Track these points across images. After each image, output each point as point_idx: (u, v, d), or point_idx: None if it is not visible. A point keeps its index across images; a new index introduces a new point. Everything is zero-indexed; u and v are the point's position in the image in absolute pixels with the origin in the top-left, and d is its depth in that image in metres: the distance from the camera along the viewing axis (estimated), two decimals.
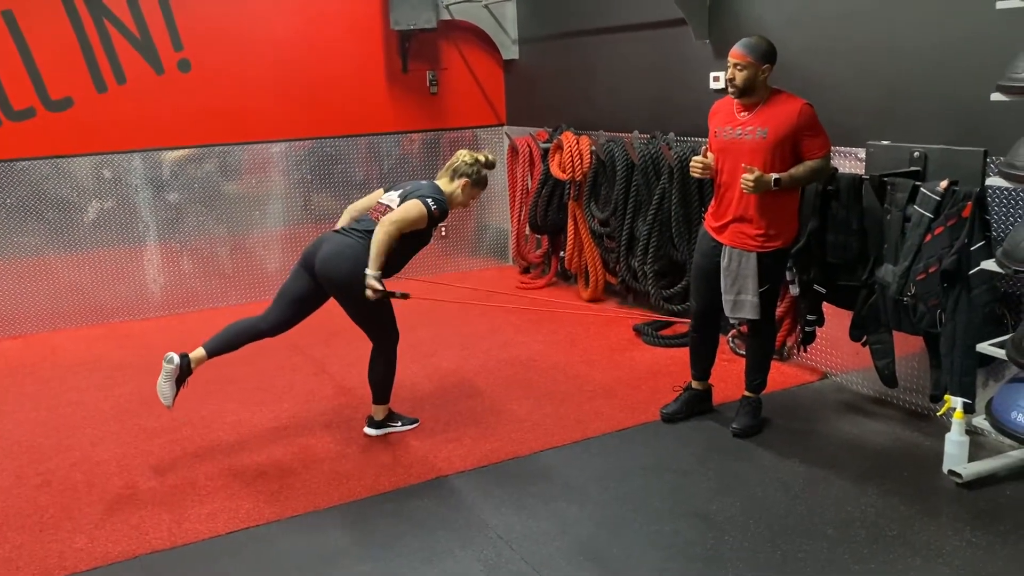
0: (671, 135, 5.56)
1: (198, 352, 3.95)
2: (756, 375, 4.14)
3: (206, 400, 4.75)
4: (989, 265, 3.38)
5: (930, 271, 3.66)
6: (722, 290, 3.93)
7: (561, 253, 6.70)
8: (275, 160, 6.79)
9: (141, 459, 4.06)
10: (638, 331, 5.55)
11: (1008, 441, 3.39)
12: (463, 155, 4.16)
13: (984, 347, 3.45)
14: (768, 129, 3.70)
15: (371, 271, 3.79)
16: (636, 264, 5.80)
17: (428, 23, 6.72)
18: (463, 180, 4.11)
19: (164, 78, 6.34)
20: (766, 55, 3.68)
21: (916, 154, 3.93)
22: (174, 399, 3.89)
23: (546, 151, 6.58)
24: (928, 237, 3.68)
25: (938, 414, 3.80)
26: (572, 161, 6.16)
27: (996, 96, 3.22)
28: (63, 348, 5.86)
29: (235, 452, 4.09)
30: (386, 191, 4.14)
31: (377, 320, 4.01)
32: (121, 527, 3.45)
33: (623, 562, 3.09)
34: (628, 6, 5.93)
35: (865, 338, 4.10)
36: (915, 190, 3.76)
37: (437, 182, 4.13)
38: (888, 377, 4.05)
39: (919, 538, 3.14)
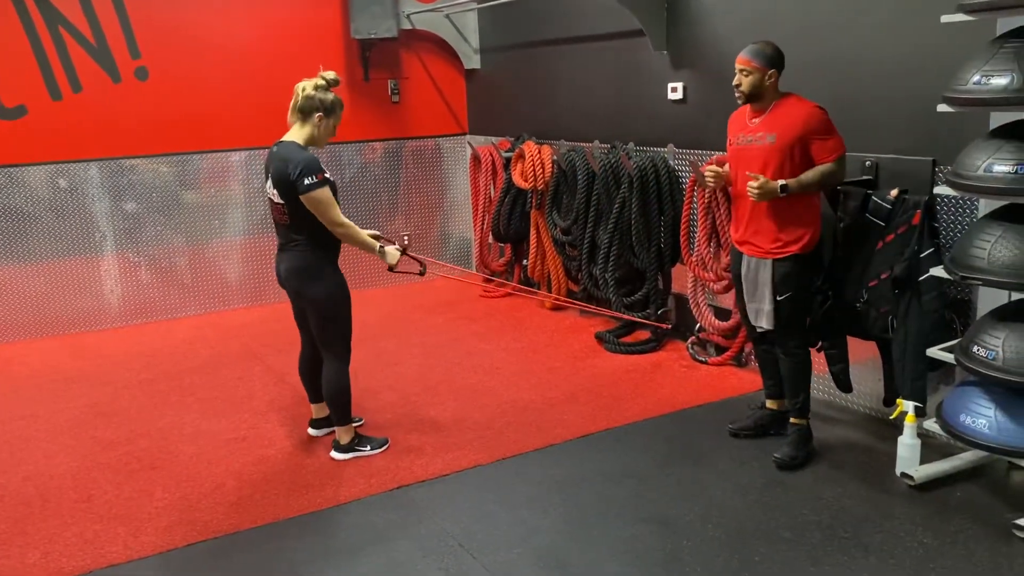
0: (631, 145, 5.62)
1: (316, 411, 4.30)
2: (792, 396, 3.93)
3: (164, 411, 4.69)
4: (938, 272, 3.46)
5: (882, 278, 3.75)
6: (745, 299, 3.91)
7: (524, 261, 6.73)
8: (235, 169, 6.73)
9: (96, 472, 4.00)
10: (600, 338, 5.59)
11: (958, 444, 3.47)
12: (303, 88, 3.83)
13: (934, 352, 3.54)
14: (776, 134, 3.65)
15: (380, 253, 3.94)
16: (597, 272, 5.84)
17: (389, 32, 6.73)
18: (316, 116, 3.82)
19: (121, 86, 6.27)
20: (771, 60, 3.67)
21: (868, 163, 4.02)
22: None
23: (508, 160, 6.61)
24: (879, 245, 3.77)
25: (891, 418, 3.87)
26: (534, 170, 6.19)
27: (942, 107, 3.30)
28: (17, 360, 5.75)
29: (193, 463, 4.05)
30: (266, 180, 3.90)
31: (333, 332, 3.96)
32: (75, 541, 3.40)
33: (584, 568, 3.10)
34: (588, 17, 5.99)
35: (820, 344, 4.17)
36: (867, 198, 3.84)
37: (290, 136, 3.83)
38: (842, 382, 4.12)
39: (873, 539, 3.20)
